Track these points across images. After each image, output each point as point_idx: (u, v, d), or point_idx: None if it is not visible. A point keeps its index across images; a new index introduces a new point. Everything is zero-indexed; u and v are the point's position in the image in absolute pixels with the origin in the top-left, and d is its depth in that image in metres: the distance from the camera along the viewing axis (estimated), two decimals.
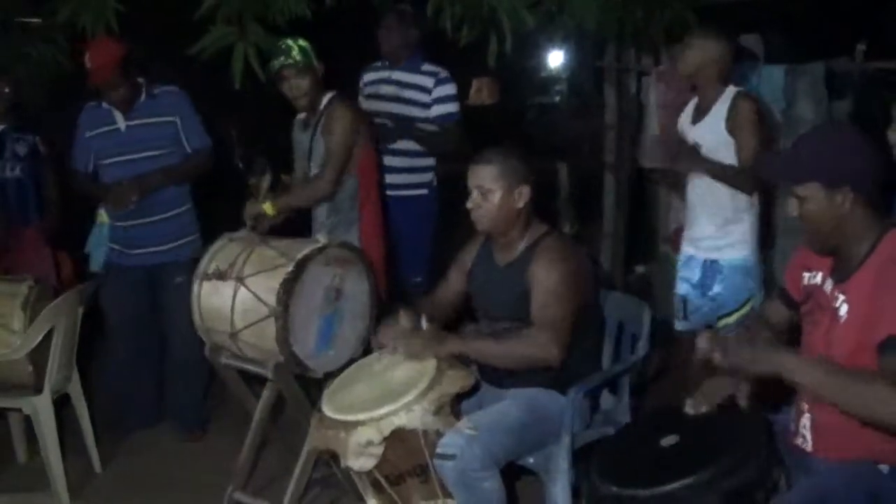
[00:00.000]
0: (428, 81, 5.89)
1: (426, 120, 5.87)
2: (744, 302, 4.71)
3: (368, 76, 6.09)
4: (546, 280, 3.81)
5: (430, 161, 6.07)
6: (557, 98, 14.45)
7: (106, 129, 5.37)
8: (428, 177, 6.10)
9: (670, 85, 6.20)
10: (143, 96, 5.34)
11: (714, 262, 4.75)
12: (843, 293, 2.99)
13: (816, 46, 6.61)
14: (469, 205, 3.95)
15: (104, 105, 5.36)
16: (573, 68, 13.39)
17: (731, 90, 4.67)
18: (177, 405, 5.66)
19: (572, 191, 8.46)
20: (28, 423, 5.03)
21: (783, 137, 6.12)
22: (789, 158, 3.09)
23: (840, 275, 3.05)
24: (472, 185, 3.93)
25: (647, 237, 7.21)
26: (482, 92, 5.88)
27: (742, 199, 4.66)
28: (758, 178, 4.36)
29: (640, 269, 7.45)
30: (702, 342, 3.05)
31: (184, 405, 5.63)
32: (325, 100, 4.94)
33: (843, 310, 2.97)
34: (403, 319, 3.94)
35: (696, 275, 4.86)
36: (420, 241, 6.07)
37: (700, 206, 4.82)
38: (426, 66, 5.93)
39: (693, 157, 4.72)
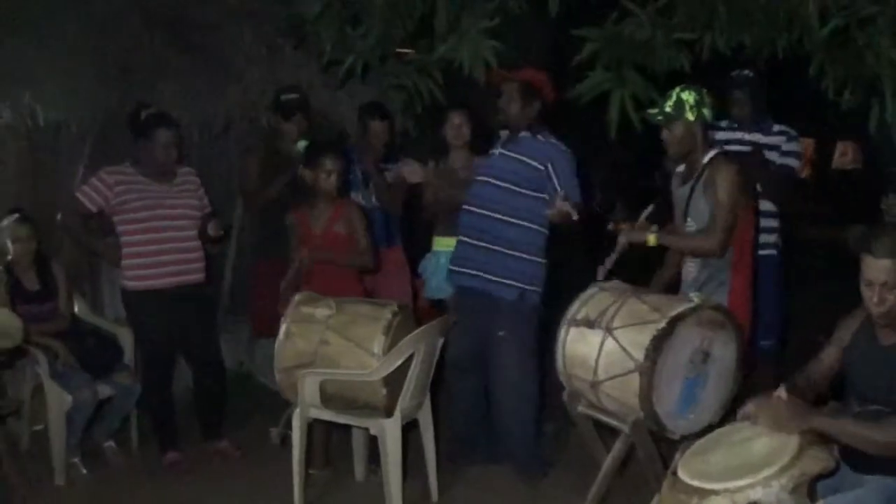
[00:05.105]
0: (779, 140, 6.02)
1: None
2: None
3: (718, 135, 5.93)
4: None
5: (776, 222, 6.09)
6: None
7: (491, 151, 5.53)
8: (774, 237, 6.11)
9: None
10: (526, 133, 5.37)
11: None
12: None
13: None
14: (874, 299, 3.71)
15: (502, 133, 5.52)
16: None
17: None
18: (510, 446, 5.58)
19: None
20: (371, 442, 5.19)
21: None
22: None
23: None
24: (874, 280, 3.70)
25: None
26: (846, 156, 5.67)
27: None
28: None
29: None
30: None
31: (516, 447, 5.54)
32: (707, 156, 4.80)
33: None
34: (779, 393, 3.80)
35: None
36: (770, 302, 5.93)
37: None
38: (777, 127, 6.08)
39: None
